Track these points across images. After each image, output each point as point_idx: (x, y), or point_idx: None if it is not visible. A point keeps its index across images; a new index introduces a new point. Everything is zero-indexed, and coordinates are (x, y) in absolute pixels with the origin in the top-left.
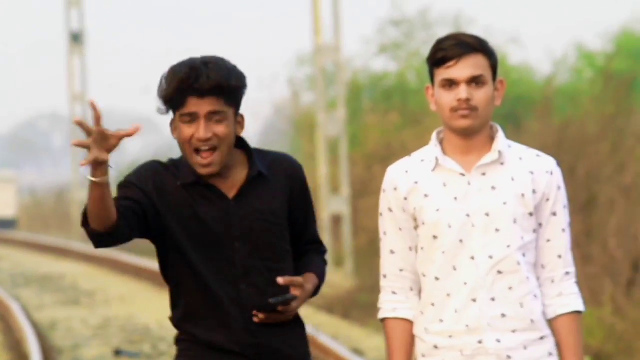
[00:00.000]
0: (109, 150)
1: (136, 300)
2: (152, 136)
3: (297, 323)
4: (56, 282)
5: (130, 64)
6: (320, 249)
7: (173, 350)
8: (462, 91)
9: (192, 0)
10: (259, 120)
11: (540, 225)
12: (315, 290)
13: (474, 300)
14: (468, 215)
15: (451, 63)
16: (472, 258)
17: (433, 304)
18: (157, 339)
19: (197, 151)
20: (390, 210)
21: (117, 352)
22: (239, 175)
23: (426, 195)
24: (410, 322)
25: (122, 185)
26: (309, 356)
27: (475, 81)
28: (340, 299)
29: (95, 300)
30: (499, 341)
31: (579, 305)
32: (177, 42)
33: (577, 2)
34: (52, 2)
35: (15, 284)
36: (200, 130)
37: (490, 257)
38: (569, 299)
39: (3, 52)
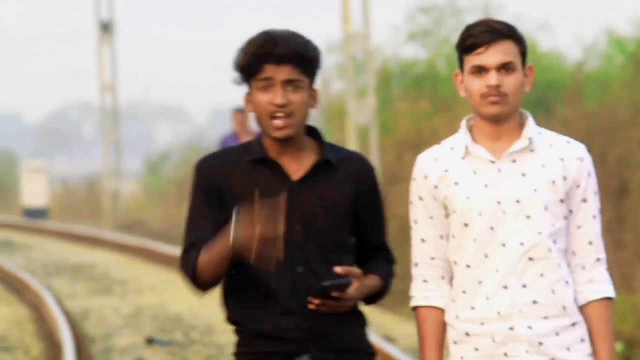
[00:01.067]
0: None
1: (168, 289)
2: (182, 125)
3: (357, 314)
4: (88, 271)
5: (160, 54)
6: (389, 257)
7: (205, 339)
8: (492, 78)
9: None
10: None
11: (570, 212)
12: (377, 296)
13: (506, 288)
14: (499, 203)
15: (481, 50)
16: (503, 245)
17: (464, 292)
18: (188, 328)
19: (273, 118)
20: (421, 198)
21: (150, 341)
22: (308, 160)
23: (456, 183)
24: (442, 310)
25: (195, 208)
26: (369, 347)
27: (505, 68)
28: None
29: (127, 289)
30: (530, 328)
31: (610, 292)
32: (205, 32)
33: None
34: None
35: (48, 274)
36: (277, 96)
37: (522, 244)
38: (600, 285)
39: (34, 42)
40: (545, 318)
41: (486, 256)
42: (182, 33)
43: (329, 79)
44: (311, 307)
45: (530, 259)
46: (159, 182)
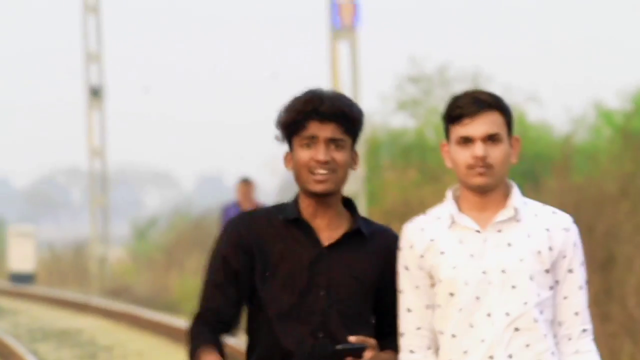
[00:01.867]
0: None
1: (154, 356)
2: (170, 191)
3: None
4: (74, 336)
5: (149, 120)
6: None
7: None
8: (478, 148)
9: (208, 62)
10: (277, 176)
11: (557, 282)
12: None
13: (491, 357)
14: (484, 272)
15: (467, 120)
16: (489, 315)
17: None
18: None
19: (314, 173)
20: (407, 268)
21: None
22: (340, 227)
23: (442, 253)
24: None
25: (221, 260)
26: None
27: (491, 138)
28: None
29: (113, 355)
30: None
31: None
32: (195, 102)
33: (596, 60)
34: (71, 57)
35: (33, 339)
36: (320, 153)
37: (507, 314)
38: (586, 356)
39: (23, 106)
40: None
41: (471, 326)
42: (169, 101)
43: None
44: None
45: (516, 329)
46: (146, 248)
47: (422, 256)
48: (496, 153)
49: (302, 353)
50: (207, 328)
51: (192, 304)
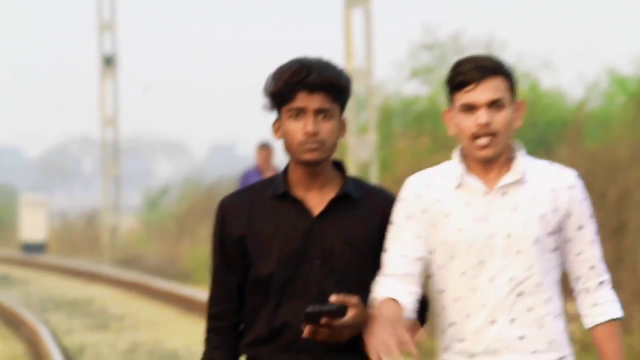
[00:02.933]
0: None
1: (165, 325)
2: (182, 161)
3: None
4: (85, 306)
5: (161, 89)
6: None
7: None
8: (482, 115)
9: (221, 29)
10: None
11: (566, 240)
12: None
13: (493, 322)
14: (489, 236)
15: (470, 87)
16: (492, 279)
17: (453, 323)
18: None
19: (303, 144)
20: (410, 217)
21: None
22: (330, 193)
23: (447, 215)
24: (402, 308)
25: (218, 255)
26: None
27: (494, 104)
28: None
29: (124, 324)
30: None
31: (616, 312)
32: (207, 71)
33: (610, 27)
34: (85, 25)
35: (45, 308)
36: (309, 124)
37: (511, 279)
38: (605, 307)
39: (35, 75)
40: (534, 352)
41: (474, 290)
42: (183, 68)
43: None
44: (304, 334)
45: (520, 294)
46: (157, 217)
47: (426, 210)
48: (500, 118)
49: (297, 325)
50: (218, 338)
51: (203, 273)
